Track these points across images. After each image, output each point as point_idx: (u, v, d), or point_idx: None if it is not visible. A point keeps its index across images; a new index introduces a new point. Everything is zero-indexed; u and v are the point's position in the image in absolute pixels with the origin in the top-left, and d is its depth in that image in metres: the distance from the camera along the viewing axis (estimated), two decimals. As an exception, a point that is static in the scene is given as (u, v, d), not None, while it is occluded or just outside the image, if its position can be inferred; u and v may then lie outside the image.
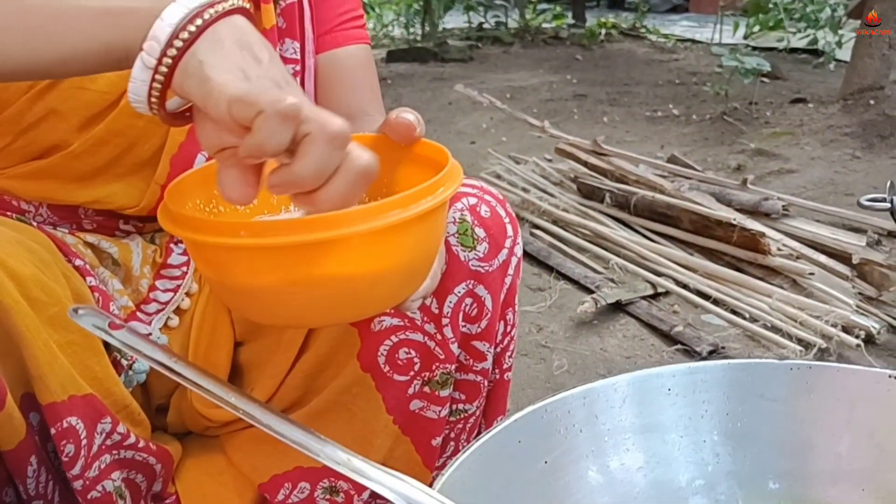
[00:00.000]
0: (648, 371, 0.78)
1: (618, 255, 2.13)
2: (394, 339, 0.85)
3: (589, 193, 2.45)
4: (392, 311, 0.83)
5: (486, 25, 6.78)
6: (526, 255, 2.26)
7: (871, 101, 3.31)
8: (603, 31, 6.32)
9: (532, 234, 2.36)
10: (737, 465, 0.74)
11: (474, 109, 3.91)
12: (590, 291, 1.98)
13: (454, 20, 7.05)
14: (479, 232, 0.84)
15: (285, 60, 0.88)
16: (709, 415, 0.76)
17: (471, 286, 0.85)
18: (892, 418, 0.72)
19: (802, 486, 0.73)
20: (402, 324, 0.85)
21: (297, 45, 0.90)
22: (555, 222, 2.39)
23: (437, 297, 0.84)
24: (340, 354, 0.87)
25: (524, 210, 2.48)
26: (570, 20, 7.41)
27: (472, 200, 0.85)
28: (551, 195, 2.51)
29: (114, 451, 0.79)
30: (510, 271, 0.87)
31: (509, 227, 0.87)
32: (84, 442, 0.75)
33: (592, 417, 0.76)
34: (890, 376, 0.73)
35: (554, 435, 0.75)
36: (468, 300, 0.85)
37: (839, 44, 4.79)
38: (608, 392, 0.76)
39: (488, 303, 0.86)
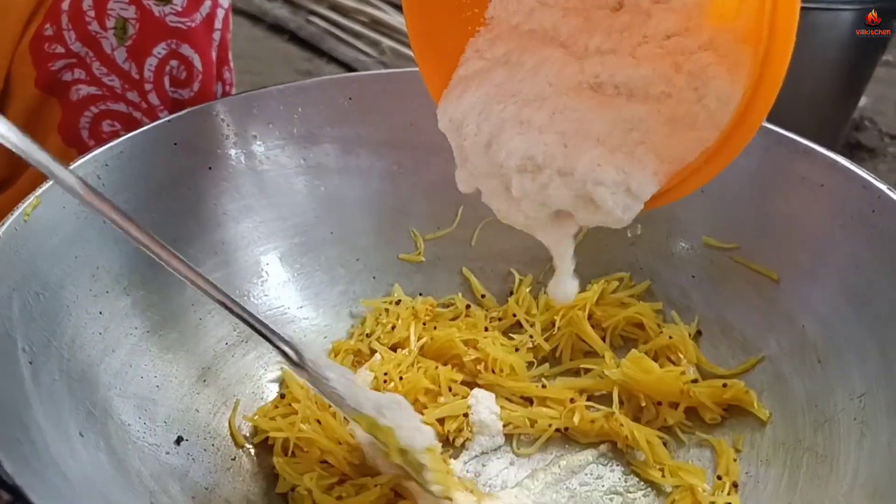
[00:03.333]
0: (318, 79, 0.77)
1: (391, 39, 2.09)
2: (94, 109, 0.80)
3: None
4: (88, 78, 0.77)
5: None
6: (298, 40, 2.18)
7: None
8: None
9: (308, 21, 2.25)
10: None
11: None
12: (360, 74, 1.94)
13: None
14: None
15: None
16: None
17: (173, 46, 0.79)
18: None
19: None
20: (99, 93, 0.79)
21: None
22: (332, 8, 2.29)
23: (134, 60, 0.77)
24: (40, 126, 0.80)
25: (302, -3, 2.36)
26: None
27: None
28: (331, -18, 2.40)
29: None
30: (217, 25, 0.82)
31: None
32: None
33: (265, 125, 0.75)
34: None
35: (220, 140, 0.73)
36: (173, 62, 0.80)
37: None
38: (272, 97, 0.75)
39: (197, 63, 0.81)
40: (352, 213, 0.79)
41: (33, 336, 0.55)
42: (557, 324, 0.72)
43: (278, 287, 0.74)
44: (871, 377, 0.57)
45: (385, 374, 0.68)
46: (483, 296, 0.78)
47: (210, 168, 0.73)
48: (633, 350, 0.68)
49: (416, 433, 0.58)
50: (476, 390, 0.68)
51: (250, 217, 0.74)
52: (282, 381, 0.70)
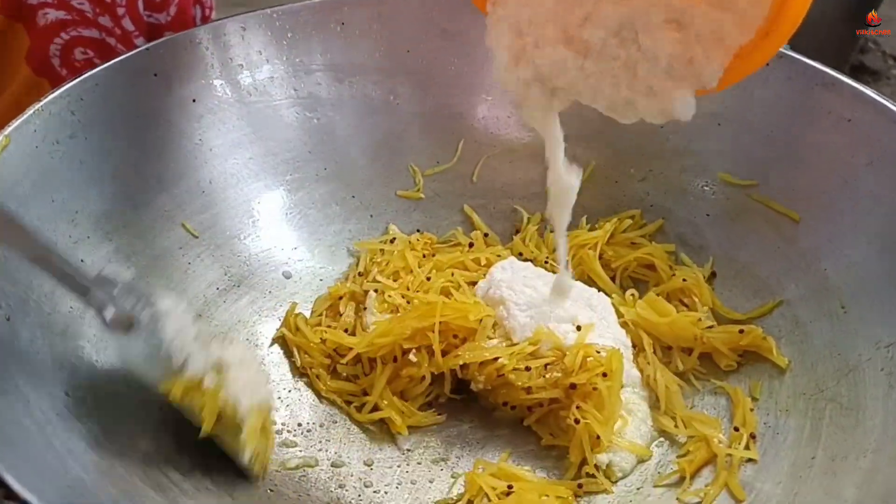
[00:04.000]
0: (308, 2, 0.71)
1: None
2: (64, 36, 0.74)
3: None
4: (55, 2, 0.71)
5: None
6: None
7: None
8: None
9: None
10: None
11: None
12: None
13: None
14: None
15: None
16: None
17: None
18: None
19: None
20: (69, 17, 0.73)
21: None
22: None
23: None
24: (7, 56, 0.75)
25: None
26: None
27: None
28: None
29: None
30: None
31: None
32: None
33: (252, 53, 0.70)
34: None
35: (204, 70, 0.68)
36: None
37: None
38: (258, 22, 0.69)
39: None
40: (346, 146, 0.74)
41: (9, 291, 0.51)
42: (569, 264, 0.69)
43: (270, 227, 0.70)
44: (899, 325, 0.55)
45: (403, 296, 0.65)
46: (486, 234, 0.74)
47: (194, 101, 0.67)
48: (650, 293, 0.65)
49: (254, 387, 0.56)
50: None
51: (239, 153, 0.70)
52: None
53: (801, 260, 0.64)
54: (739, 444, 0.57)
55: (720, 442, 0.57)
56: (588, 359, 0.57)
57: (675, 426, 0.59)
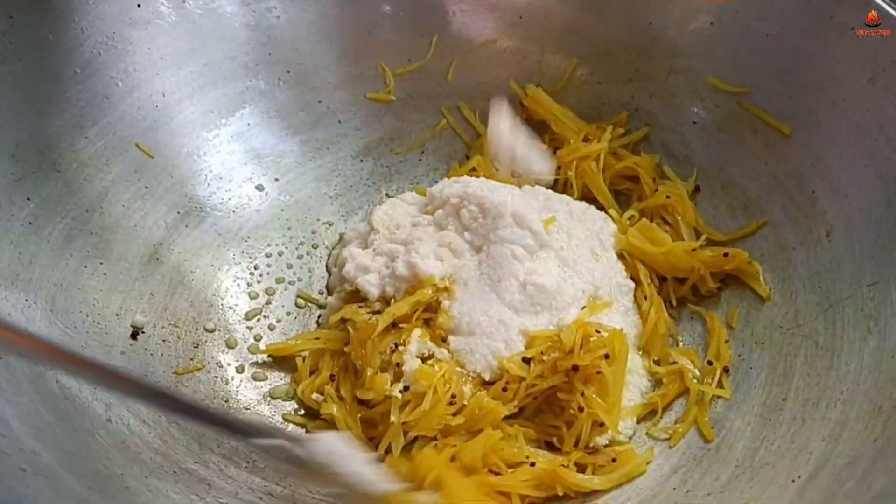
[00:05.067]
0: None
1: None
2: None
3: None
4: None
5: None
6: None
7: None
8: None
9: None
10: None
11: None
12: None
13: None
14: None
15: None
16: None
17: None
18: None
19: None
20: None
21: None
22: None
23: None
24: None
25: None
26: None
27: None
28: None
29: None
30: None
31: None
32: None
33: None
34: None
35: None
36: None
37: None
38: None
39: None
40: (310, 46, 0.68)
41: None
42: (572, 178, 0.65)
43: (231, 141, 0.66)
44: (885, 264, 0.52)
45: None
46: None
47: (139, 6, 0.61)
48: (643, 220, 0.62)
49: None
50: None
51: (193, 60, 0.64)
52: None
53: (790, 179, 0.60)
54: (712, 378, 0.56)
55: (693, 377, 0.57)
56: (590, 338, 0.53)
57: (652, 363, 0.58)
